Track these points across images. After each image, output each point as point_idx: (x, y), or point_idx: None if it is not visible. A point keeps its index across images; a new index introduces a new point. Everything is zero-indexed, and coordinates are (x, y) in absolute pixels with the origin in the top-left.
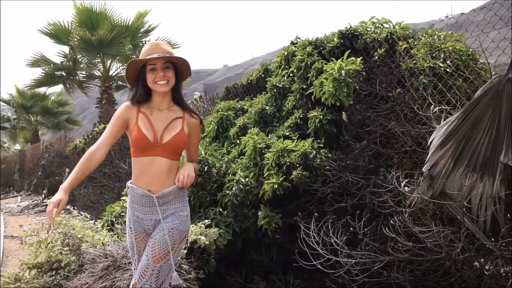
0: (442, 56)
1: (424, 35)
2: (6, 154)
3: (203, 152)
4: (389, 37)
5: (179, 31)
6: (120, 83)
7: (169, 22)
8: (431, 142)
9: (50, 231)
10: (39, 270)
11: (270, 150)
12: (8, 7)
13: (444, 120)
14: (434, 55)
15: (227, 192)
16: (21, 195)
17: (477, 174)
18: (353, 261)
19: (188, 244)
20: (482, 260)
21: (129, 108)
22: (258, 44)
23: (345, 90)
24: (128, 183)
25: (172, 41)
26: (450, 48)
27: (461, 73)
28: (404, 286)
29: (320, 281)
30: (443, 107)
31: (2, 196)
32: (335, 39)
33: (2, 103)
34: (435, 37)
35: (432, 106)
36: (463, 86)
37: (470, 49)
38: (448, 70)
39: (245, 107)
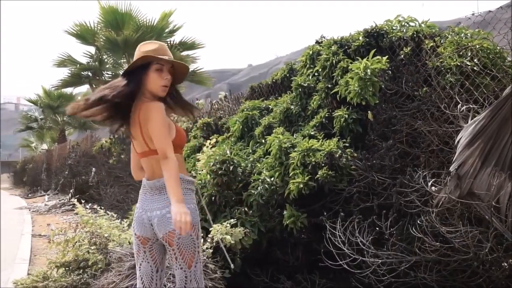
0: (469, 54)
1: (450, 33)
2: (34, 153)
3: (228, 152)
4: (415, 35)
5: (204, 31)
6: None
7: (194, 22)
8: (458, 141)
9: (77, 230)
10: (67, 268)
11: (296, 149)
12: (36, 7)
13: (472, 119)
14: (461, 53)
15: (253, 191)
16: (48, 194)
17: (505, 174)
18: (380, 261)
19: (214, 244)
20: (511, 260)
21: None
22: (282, 44)
23: (370, 89)
24: (191, 178)
25: (197, 41)
26: (477, 46)
27: (488, 71)
28: (431, 286)
29: (346, 281)
30: (471, 106)
31: (29, 195)
32: (360, 38)
33: (29, 103)
34: (462, 35)
35: (459, 105)
36: (490, 84)
37: (498, 47)
38: (475, 68)
39: (270, 106)
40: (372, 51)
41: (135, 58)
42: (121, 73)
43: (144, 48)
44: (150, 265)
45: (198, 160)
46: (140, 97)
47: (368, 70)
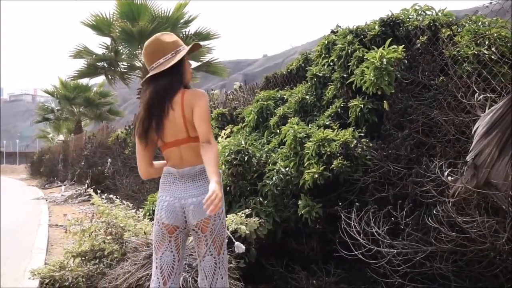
0: (486, 43)
1: (468, 21)
2: (50, 144)
3: (243, 142)
4: (431, 24)
5: (219, 21)
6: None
7: (209, 12)
8: (475, 131)
9: (93, 220)
10: (83, 258)
11: (311, 139)
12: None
13: (489, 108)
14: (478, 42)
15: (267, 181)
16: (65, 185)
17: None
18: (395, 251)
19: (229, 233)
20: None
21: None
22: (298, 34)
23: (386, 79)
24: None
25: (212, 31)
26: (495, 34)
27: (506, 60)
28: (447, 276)
29: (361, 271)
30: (488, 95)
31: (46, 185)
32: (376, 27)
33: (46, 95)
34: (479, 23)
35: (476, 94)
36: (508, 73)
37: None
38: (493, 57)
39: (285, 96)
40: (388, 40)
41: (174, 50)
42: (136, 64)
43: (174, 37)
44: (173, 254)
45: None
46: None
47: (384, 60)
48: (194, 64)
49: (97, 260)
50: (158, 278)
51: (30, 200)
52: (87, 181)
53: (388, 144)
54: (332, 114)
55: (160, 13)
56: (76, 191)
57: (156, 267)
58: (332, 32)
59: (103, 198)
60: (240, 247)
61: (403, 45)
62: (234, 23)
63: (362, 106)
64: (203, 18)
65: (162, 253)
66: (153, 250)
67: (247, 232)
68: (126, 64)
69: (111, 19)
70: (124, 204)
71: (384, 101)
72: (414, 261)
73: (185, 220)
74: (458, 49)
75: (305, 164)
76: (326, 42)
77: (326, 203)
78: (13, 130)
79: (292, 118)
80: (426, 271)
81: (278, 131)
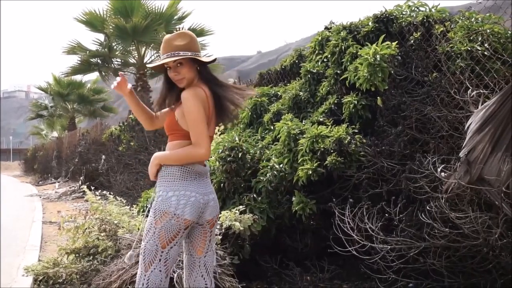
0: (479, 39)
1: (461, 18)
2: (44, 141)
3: (237, 138)
4: (425, 20)
5: (213, 18)
6: (155, 70)
7: (203, 8)
8: (468, 127)
9: (87, 217)
10: (77, 255)
11: (304, 136)
12: None
13: (482, 104)
14: (471, 38)
15: (262, 178)
16: (58, 182)
17: None
18: (389, 247)
19: (223, 230)
20: None
21: None
22: (292, 30)
23: (380, 75)
24: None
25: (206, 28)
26: (488, 30)
27: (499, 56)
28: (441, 272)
29: (355, 267)
30: (481, 91)
31: (40, 182)
32: (369, 23)
33: (40, 91)
34: (473, 19)
35: (470, 90)
36: (501, 69)
37: (509, 32)
38: (486, 53)
39: (279, 93)
40: (382, 37)
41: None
42: (130, 60)
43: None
44: (179, 248)
45: None
46: None
47: (378, 56)
48: None
49: (91, 257)
50: (161, 271)
51: (24, 197)
52: (81, 178)
53: (382, 141)
54: (326, 111)
55: (153, 10)
56: (70, 188)
57: (160, 260)
58: (326, 28)
59: (97, 195)
60: (131, 257)
61: (396, 41)
62: (228, 19)
63: (356, 102)
64: (197, 15)
65: (171, 247)
66: (157, 243)
67: (241, 228)
68: (120, 60)
69: (105, 16)
70: (118, 201)
71: (378, 97)
72: (407, 257)
73: (200, 216)
74: (451, 45)
75: (299, 161)
76: (320, 38)
77: (320, 200)
78: (6, 127)
79: (286, 114)
80: (419, 267)
81: (272, 127)
